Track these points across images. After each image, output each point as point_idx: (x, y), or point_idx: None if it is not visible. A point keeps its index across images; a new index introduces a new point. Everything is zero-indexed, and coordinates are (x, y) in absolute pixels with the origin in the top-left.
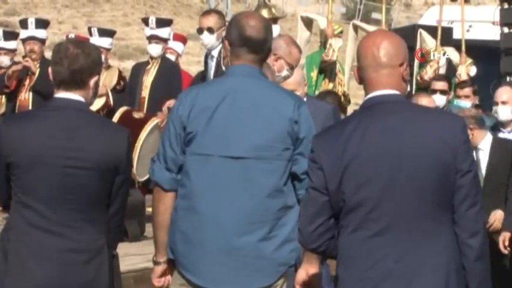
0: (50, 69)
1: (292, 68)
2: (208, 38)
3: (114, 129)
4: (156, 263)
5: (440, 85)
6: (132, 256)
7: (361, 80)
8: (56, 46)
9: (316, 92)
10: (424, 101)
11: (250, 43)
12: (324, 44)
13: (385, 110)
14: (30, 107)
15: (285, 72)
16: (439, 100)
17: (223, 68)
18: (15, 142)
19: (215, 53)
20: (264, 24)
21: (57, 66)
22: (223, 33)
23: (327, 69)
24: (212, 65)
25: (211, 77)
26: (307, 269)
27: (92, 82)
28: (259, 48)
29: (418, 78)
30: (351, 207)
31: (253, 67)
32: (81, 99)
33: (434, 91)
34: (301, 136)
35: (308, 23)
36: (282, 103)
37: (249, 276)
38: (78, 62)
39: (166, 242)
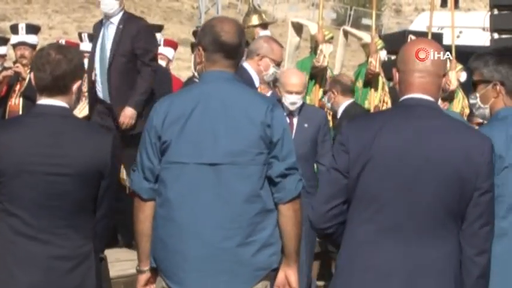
0: (32, 76)
1: (278, 64)
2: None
3: (99, 133)
4: (139, 271)
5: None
6: (123, 262)
7: (400, 82)
8: (38, 52)
9: (307, 98)
10: None
11: (226, 48)
12: (314, 50)
13: (420, 113)
14: (20, 113)
15: (272, 70)
16: None
17: (195, 74)
18: (0, 149)
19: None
20: (238, 28)
21: (39, 72)
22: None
23: (318, 75)
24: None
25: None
26: (286, 271)
27: (74, 87)
28: (234, 53)
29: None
30: (366, 198)
31: (227, 72)
32: (65, 105)
33: None
34: (275, 140)
35: (298, 28)
36: (254, 107)
37: (227, 282)
38: (60, 67)
39: (147, 249)
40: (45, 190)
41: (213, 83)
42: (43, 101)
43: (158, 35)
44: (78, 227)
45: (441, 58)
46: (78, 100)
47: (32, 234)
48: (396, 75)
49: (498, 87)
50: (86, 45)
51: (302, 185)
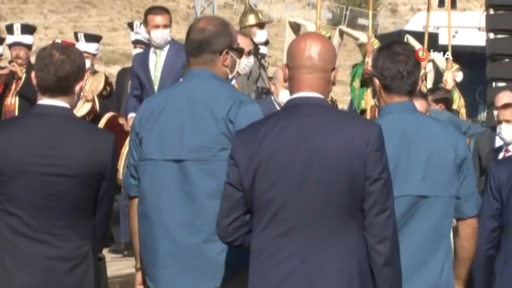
0: (33, 76)
1: (248, 53)
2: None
3: (100, 134)
4: (136, 269)
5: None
6: (118, 261)
7: (289, 79)
8: (40, 52)
9: (362, 102)
10: (416, 104)
11: (191, 46)
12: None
13: (304, 112)
14: (16, 112)
15: (243, 61)
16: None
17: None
18: (0, 149)
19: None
20: (209, 26)
21: (42, 72)
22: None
23: (368, 82)
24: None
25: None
26: None
27: (77, 88)
28: (196, 50)
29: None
30: (261, 205)
31: (204, 70)
32: (67, 105)
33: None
34: None
35: (296, 28)
36: (218, 103)
37: (196, 278)
38: (64, 68)
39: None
40: (45, 191)
41: (188, 81)
42: (45, 101)
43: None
44: (77, 228)
45: (328, 52)
46: (78, 100)
47: (31, 234)
48: (286, 72)
49: (375, 83)
50: (82, 45)
51: None
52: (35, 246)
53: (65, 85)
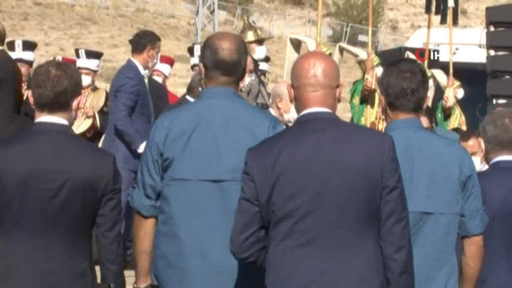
0: (29, 93)
1: (250, 72)
2: None
3: (100, 152)
4: None
5: None
6: None
7: (296, 98)
8: (37, 69)
9: (362, 119)
10: None
11: (224, 66)
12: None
13: (316, 126)
14: None
15: (247, 79)
16: None
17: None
18: (0, 166)
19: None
20: (238, 45)
21: (40, 89)
22: None
23: (369, 98)
24: None
25: None
26: None
27: (74, 103)
28: (232, 70)
29: (365, 87)
30: (280, 217)
31: (227, 89)
32: (65, 122)
33: None
34: None
35: (297, 45)
36: (256, 124)
37: None
38: (62, 84)
39: (147, 268)
40: (44, 207)
41: (213, 99)
42: (43, 118)
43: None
44: (78, 245)
45: (332, 69)
46: (75, 117)
47: (29, 249)
48: (291, 92)
49: (381, 100)
50: (82, 62)
51: None
52: (34, 262)
53: (62, 101)
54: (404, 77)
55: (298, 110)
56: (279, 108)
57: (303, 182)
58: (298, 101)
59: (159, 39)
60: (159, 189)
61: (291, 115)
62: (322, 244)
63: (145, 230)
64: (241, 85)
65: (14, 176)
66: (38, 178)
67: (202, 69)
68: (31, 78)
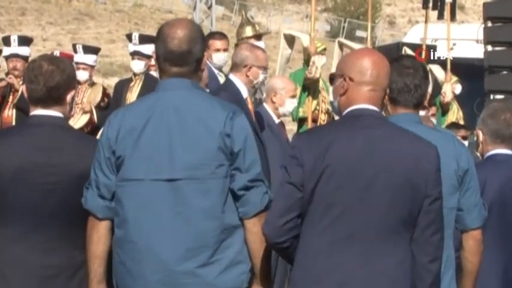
0: (24, 88)
1: (265, 68)
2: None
3: (94, 143)
4: None
5: None
6: None
7: (349, 91)
8: (29, 64)
9: (301, 110)
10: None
11: (172, 57)
12: (307, 62)
13: (367, 123)
14: (13, 124)
15: (261, 77)
16: None
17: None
18: None
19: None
20: (189, 34)
21: (32, 84)
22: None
23: (311, 87)
24: None
25: None
26: None
27: (68, 97)
28: (182, 61)
29: (307, 74)
30: (321, 209)
31: (181, 80)
32: (60, 114)
33: None
34: (236, 150)
35: (290, 40)
36: (211, 116)
37: None
38: (54, 78)
39: (101, 274)
40: (41, 200)
41: (166, 92)
42: (38, 111)
43: (151, 46)
44: (75, 238)
45: (389, 71)
46: (71, 110)
47: (27, 243)
48: (346, 84)
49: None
50: (80, 57)
51: (269, 198)
52: (32, 255)
53: (55, 95)
54: (407, 73)
55: (346, 104)
56: (273, 102)
57: (351, 176)
58: (350, 95)
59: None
60: (114, 189)
61: (285, 108)
62: (361, 241)
63: (99, 233)
64: (254, 81)
65: (8, 169)
66: (34, 171)
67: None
68: (25, 73)
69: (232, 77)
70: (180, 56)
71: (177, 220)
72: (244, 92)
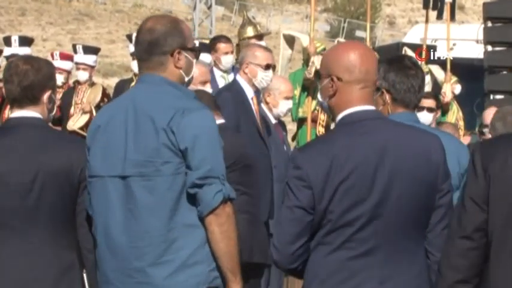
0: (2, 89)
1: (267, 67)
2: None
3: (73, 143)
4: None
5: (429, 102)
6: None
7: (338, 92)
8: (6, 64)
9: (300, 110)
10: None
11: (139, 49)
12: (306, 62)
13: (368, 128)
14: None
15: (260, 75)
16: (426, 118)
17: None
18: None
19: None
20: (157, 25)
21: (8, 84)
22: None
23: (310, 87)
24: None
25: None
26: None
27: (45, 97)
28: (145, 53)
29: (306, 74)
30: (337, 226)
31: (150, 75)
32: (36, 115)
33: (422, 108)
34: (182, 147)
35: (290, 40)
36: (159, 113)
37: None
38: (28, 78)
39: None
40: (25, 200)
41: (135, 88)
42: (15, 113)
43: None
44: (59, 237)
45: (376, 64)
46: (51, 111)
47: (16, 243)
48: (334, 85)
49: (384, 95)
50: (80, 57)
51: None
52: (20, 256)
53: (30, 95)
54: (412, 74)
55: (338, 106)
56: (267, 103)
57: (366, 188)
58: (342, 97)
59: None
60: None
61: (279, 109)
62: (381, 254)
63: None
64: (254, 80)
65: None
66: (10, 174)
67: None
68: (2, 73)
69: (238, 77)
70: (143, 50)
71: (128, 217)
72: (250, 93)
